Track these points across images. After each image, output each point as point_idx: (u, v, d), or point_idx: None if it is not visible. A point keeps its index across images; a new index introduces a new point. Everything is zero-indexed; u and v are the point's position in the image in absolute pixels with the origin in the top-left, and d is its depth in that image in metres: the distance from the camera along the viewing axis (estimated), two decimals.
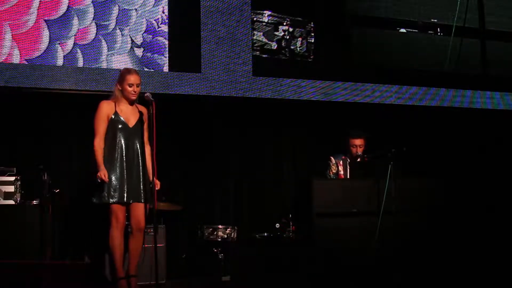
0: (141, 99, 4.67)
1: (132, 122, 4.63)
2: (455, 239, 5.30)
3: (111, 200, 4.51)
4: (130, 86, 4.61)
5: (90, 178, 5.76)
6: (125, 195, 4.52)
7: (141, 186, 4.57)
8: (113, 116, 4.60)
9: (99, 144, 4.57)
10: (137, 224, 4.59)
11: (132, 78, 4.62)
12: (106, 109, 4.61)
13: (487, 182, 6.67)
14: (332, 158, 5.87)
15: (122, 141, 4.57)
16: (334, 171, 5.83)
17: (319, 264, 5.00)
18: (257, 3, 6.34)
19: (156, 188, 4.49)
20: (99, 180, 4.48)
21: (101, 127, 4.59)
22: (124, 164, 4.55)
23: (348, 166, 5.77)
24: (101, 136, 4.58)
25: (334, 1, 6.70)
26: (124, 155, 4.56)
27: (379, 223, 4.88)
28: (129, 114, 4.64)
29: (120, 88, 4.64)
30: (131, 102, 4.64)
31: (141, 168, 4.59)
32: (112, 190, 4.51)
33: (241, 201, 6.32)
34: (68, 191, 5.67)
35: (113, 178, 4.53)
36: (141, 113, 4.65)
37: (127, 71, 4.73)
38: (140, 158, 4.60)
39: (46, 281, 3.63)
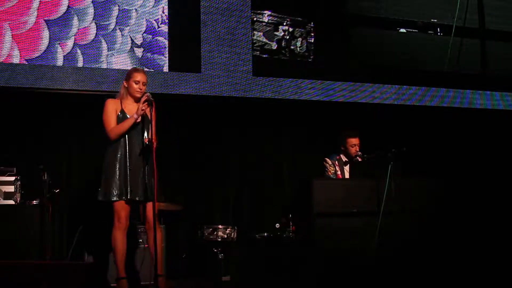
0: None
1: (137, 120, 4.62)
2: (455, 239, 5.29)
3: (113, 198, 4.50)
4: (136, 84, 4.63)
5: (90, 178, 5.81)
6: (129, 192, 4.50)
7: (146, 184, 4.54)
8: (119, 114, 4.62)
9: (113, 128, 4.57)
10: (148, 222, 4.58)
11: (139, 76, 4.65)
12: (112, 105, 4.64)
13: (487, 182, 6.67)
14: (327, 159, 5.79)
15: (127, 139, 4.57)
16: (332, 171, 5.76)
17: (319, 264, 4.99)
18: (257, 3, 6.34)
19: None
20: (142, 111, 4.48)
21: (111, 120, 4.59)
22: (129, 162, 4.54)
23: (343, 166, 5.76)
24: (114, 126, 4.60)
25: (334, 1, 6.70)
26: (129, 152, 4.55)
27: (379, 223, 4.87)
28: (134, 112, 4.63)
29: (126, 86, 4.67)
30: (137, 100, 4.63)
31: (147, 165, 4.56)
32: (115, 187, 4.50)
33: (241, 201, 6.33)
34: (68, 191, 5.69)
35: (117, 175, 4.52)
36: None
37: (134, 69, 4.79)
38: (145, 156, 4.58)
39: (46, 281, 3.62)
